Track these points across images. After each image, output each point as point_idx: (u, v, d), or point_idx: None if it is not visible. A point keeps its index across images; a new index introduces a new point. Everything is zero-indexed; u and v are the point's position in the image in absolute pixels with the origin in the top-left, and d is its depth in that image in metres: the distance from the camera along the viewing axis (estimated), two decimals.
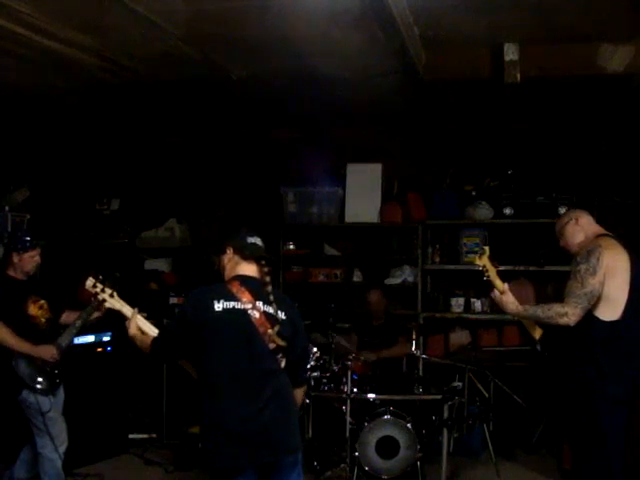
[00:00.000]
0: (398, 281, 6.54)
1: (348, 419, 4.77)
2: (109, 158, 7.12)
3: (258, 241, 3.18)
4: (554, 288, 6.16)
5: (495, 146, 6.51)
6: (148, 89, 5.25)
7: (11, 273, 4.42)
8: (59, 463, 4.36)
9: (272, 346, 2.95)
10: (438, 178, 6.58)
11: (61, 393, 4.52)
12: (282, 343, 2.96)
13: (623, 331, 3.49)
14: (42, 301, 4.48)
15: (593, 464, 3.54)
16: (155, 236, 7.03)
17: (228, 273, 3.15)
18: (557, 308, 3.55)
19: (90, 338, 5.50)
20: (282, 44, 4.20)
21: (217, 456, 2.88)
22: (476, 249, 6.33)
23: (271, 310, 2.99)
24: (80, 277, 6.55)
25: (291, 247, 6.79)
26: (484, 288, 6.46)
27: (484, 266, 3.87)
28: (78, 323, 4.45)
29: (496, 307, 6.28)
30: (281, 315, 3.01)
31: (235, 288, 2.99)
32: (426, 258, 6.51)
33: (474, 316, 6.39)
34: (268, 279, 3.06)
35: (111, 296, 3.48)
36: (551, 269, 6.02)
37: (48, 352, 4.31)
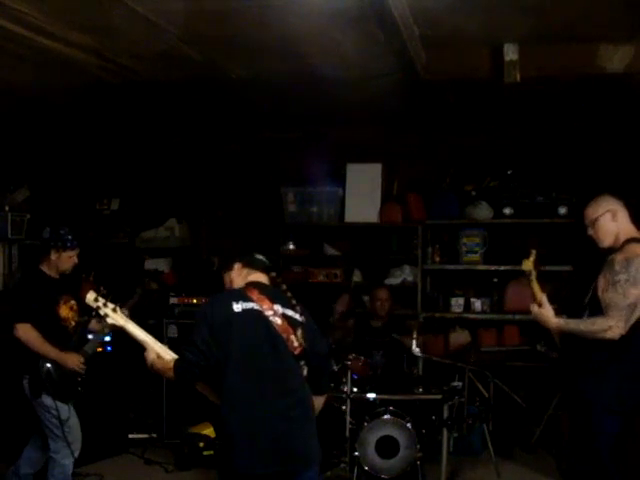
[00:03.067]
0: (398, 281, 6.54)
1: (348, 419, 4.77)
2: (109, 158, 7.12)
3: (264, 259, 3.23)
4: (554, 288, 6.16)
5: (495, 146, 6.51)
6: (148, 89, 5.25)
7: (45, 269, 4.35)
8: (69, 470, 4.34)
9: (297, 351, 2.92)
10: (438, 178, 6.58)
11: None
12: (305, 344, 2.94)
13: (633, 343, 3.45)
14: (73, 301, 4.44)
15: (587, 471, 3.55)
16: (155, 236, 7.04)
17: (237, 284, 3.13)
18: (601, 322, 3.41)
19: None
20: (282, 44, 4.20)
21: (235, 462, 2.81)
22: (476, 249, 6.34)
23: (291, 312, 2.98)
24: (80, 277, 6.60)
25: (291, 247, 6.79)
26: (484, 288, 6.51)
27: (529, 271, 3.68)
28: (106, 330, 4.42)
29: (495, 307, 6.37)
30: (301, 318, 3.00)
31: (255, 295, 2.96)
32: (426, 258, 6.51)
33: (474, 316, 6.39)
34: (285, 287, 3.11)
35: (114, 311, 3.17)
36: (551, 269, 6.02)
37: (75, 361, 4.28)
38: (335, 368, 4.96)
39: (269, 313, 2.93)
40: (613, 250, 3.57)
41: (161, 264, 7.01)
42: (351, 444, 4.74)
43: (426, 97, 5.56)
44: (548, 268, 5.97)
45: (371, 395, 4.86)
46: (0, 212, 5.82)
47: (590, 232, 3.67)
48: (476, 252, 6.34)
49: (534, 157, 6.40)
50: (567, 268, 6.03)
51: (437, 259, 6.53)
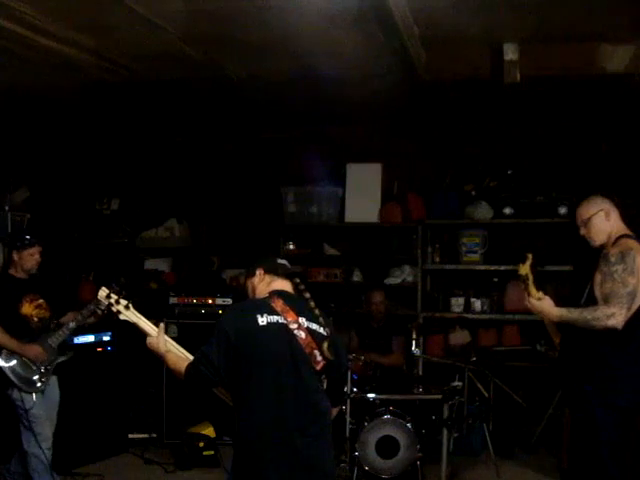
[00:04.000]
0: (398, 281, 6.54)
1: (348, 419, 4.77)
2: (109, 158, 7.12)
3: (287, 263, 3.07)
4: (554, 288, 6.16)
5: (495, 146, 6.51)
6: (148, 89, 5.26)
7: (12, 272, 4.52)
8: (44, 458, 4.38)
9: (320, 366, 2.82)
10: (438, 178, 6.58)
11: (52, 393, 4.56)
12: (332, 357, 2.83)
13: (636, 337, 3.45)
14: (40, 300, 4.54)
15: (590, 469, 3.55)
16: (155, 236, 7.04)
17: (260, 292, 2.98)
18: (604, 309, 3.40)
19: (90, 338, 5.50)
20: (282, 44, 4.20)
21: (254, 475, 2.74)
22: (476, 249, 6.34)
23: (315, 326, 2.85)
24: (80, 277, 6.60)
25: (291, 247, 6.80)
26: (484, 288, 6.51)
27: (525, 275, 3.62)
28: (72, 324, 4.51)
29: (495, 307, 6.36)
30: (325, 331, 2.88)
31: (279, 307, 2.82)
32: (426, 258, 6.51)
33: (474, 316, 6.38)
34: (309, 295, 2.93)
35: (126, 308, 3.08)
36: (551, 269, 6.02)
37: (34, 351, 4.38)
38: None
39: (294, 326, 2.80)
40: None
41: (161, 264, 7.02)
42: (351, 444, 4.74)
43: (426, 97, 5.56)
44: (548, 268, 5.99)
45: (371, 395, 4.86)
46: (0, 212, 5.82)
47: (583, 232, 3.69)
48: (476, 252, 6.34)
49: (534, 157, 6.40)
50: (567, 268, 6.03)
51: (437, 259, 6.53)
